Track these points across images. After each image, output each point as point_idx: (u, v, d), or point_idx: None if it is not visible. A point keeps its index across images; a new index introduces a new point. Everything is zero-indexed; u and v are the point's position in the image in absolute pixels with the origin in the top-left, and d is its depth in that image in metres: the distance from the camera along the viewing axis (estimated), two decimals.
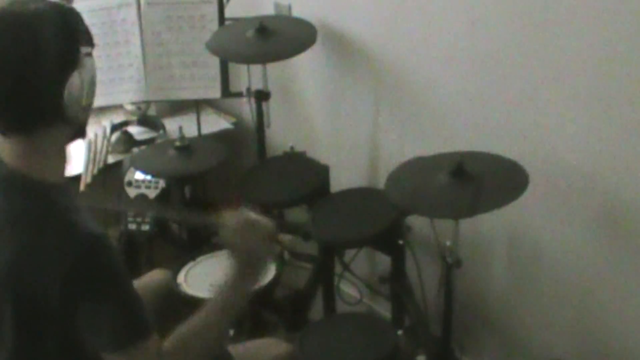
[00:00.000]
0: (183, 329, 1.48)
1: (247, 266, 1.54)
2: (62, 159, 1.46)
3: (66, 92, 1.35)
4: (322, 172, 2.51)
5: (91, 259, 1.34)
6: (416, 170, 1.96)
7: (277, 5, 2.77)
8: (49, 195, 1.40)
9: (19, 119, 1.37)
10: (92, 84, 1.41)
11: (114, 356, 1.40)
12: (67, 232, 1.36)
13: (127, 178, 2.68)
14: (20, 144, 1.39)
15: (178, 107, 3.13)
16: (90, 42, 1.44)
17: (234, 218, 1.55)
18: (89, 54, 1.41)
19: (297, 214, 2.55)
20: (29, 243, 1.37)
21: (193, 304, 2.13)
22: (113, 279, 1.38)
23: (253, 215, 1.58)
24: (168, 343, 1.45)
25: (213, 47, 2.50)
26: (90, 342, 1.39)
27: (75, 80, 1.36)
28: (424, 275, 2.22)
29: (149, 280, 2.07)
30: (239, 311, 1.54)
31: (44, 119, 1.37)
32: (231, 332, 2.31)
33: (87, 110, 1.43)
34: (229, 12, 2.70)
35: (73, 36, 1.38)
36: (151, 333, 1.41)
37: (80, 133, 1.50)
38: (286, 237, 2.74)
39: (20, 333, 1.40)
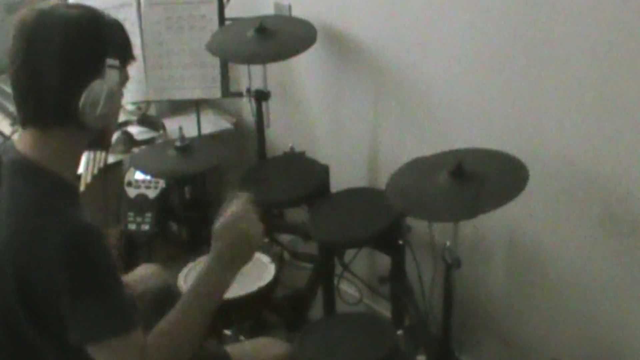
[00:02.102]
0: (164, 322, 1.49)
1: (230, 257, 1.54)
2: (75, 160, 1.52)
3: (83, 98, 1.40)
4: (322, 172, 2.51)
5: (73, 248, 1.37)
6: (416, 172, 1.95)
7: (277, 5, 2.77)
8: (52, 183, 1.44)
9: (35, 112, 1.44)
10: (111, 95, 1.44)
11: (94, 348, 1.41)
12: (55, 219, 1.39)
13: (127, 178, 2.68)
14: (35, 136, 1.46)
15: (178, 107, 3.13)
16: (122, 55, 1.48)
17: (230, 210, 1.57)
18: (116, 67, 1.45)
19: (297, 214, 2.55)
20: (24, 224, 1.41)
21: None
22: (95, 270, 1.40)
23: (245, 208, 1.58)
24: (151, 337, 1.46)
25: (213, 47, 2.50)
26: (72, 332, 1.40)
27: (94, 89, 1.41)
28: (424, 275, 2.22)
29: (139, 276, 2.07)
30: (219, 300, 1.54)
31: (58, 118, 1.43)
32: (230, 331, 2.32)
33: (104, 120, 1.46)
34: (229, 12, 2.70)
35: (101, 46, 1.43)
36: (134, 328, 1.42)
37: (101, 143, 1.56)
38: (286, 237, 2.76)
39: (25, 310, 1.42)
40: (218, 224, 1.57)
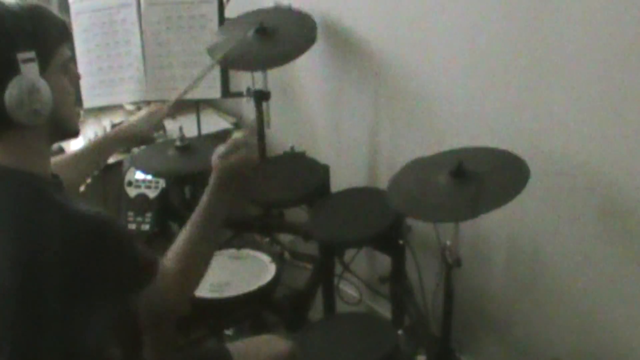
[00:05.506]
0: (176, 245, 1.56)
1: (230, 179, 1.65)
2: (42, 156, 1.47)
3: (6, 99, 1.36)
4: (322, 172, 2.51)
5: (98, 240, 1.37)
6: (416, 173, 1.95)
7: (276, 5, 2.76)
8: (36, 183, 1.42)
9: None
10: (34, 89, 1.38)
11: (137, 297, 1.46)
12: (66, 215, 1.37)
13: (127, 178, 2.68)
14: None
15: (178, 107, 3.13)
16: (38, 44, 1.41)
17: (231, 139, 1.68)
18: (31, 59, 1.38)
19: (297, 214, 2.55)
20: (28, 229, 1.37)
21: (193, 303, 2.15)
22: (120, 252, 1.41)
23: (245, 135, 1.69)
24: (167, 261, 1.53)
25: (214, 53, 2.48)
26: (108, 302, 1.41)
27: (14, 87, 1.36)
28: (424, 275, 2.22)
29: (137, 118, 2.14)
30: (222, 224, 1.62)
31: None
32: (230, 331, 2.32)
33: (41, 114, 1.40)
34: (229, 12, 2.70)
35: (7, 44, 1.37)
36: (158, 265, 1.49)
37: (65, 133, 1.52)
38: (286, 237, 2.75)
39: (23, 329, 1.38)
40: (220, 148, 1.66)
